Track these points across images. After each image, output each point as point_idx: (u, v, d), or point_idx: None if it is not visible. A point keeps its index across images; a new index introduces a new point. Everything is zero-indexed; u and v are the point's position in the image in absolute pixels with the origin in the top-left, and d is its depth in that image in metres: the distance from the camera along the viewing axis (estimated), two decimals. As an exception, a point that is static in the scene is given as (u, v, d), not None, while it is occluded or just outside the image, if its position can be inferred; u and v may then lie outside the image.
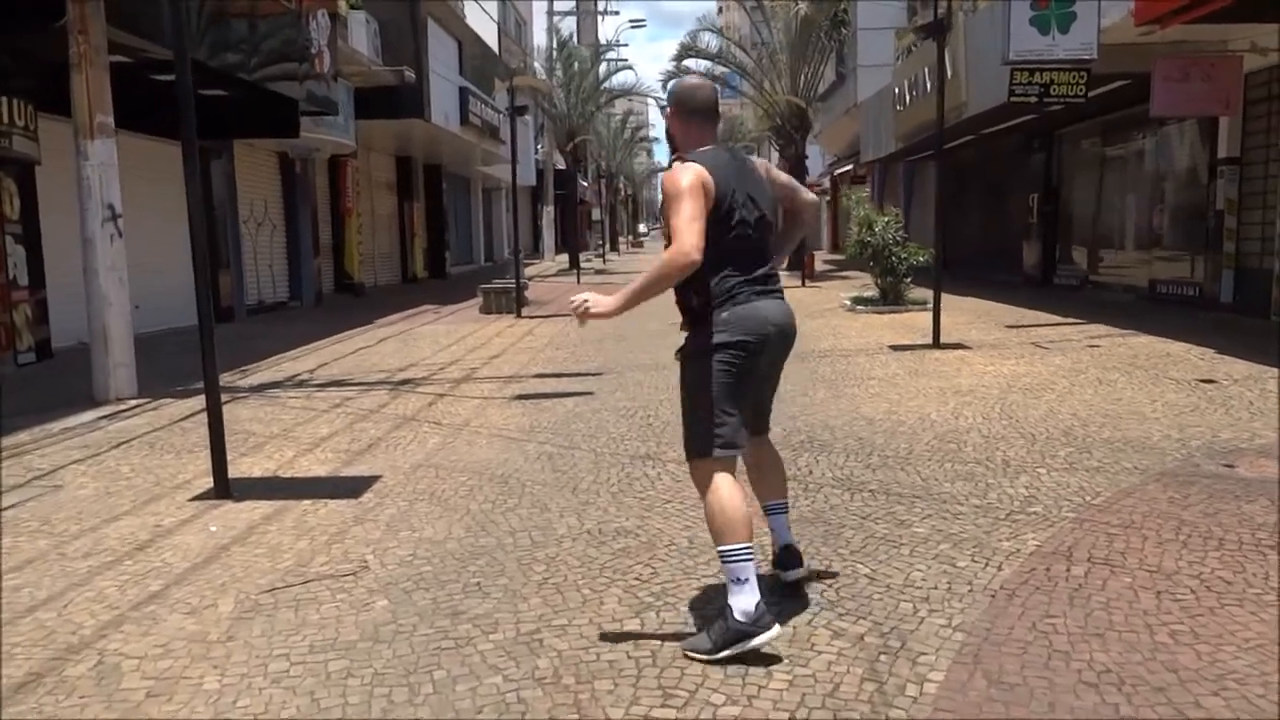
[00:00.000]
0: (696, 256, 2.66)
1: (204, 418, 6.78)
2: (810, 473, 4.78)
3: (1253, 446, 4.94)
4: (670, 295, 2.92)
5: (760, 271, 2.92)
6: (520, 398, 7.36)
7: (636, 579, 3.41)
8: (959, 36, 13.85)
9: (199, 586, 3.47)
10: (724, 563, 2.77)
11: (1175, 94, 9.86)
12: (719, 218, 2.79)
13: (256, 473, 5.23)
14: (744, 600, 2.67)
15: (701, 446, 2.84)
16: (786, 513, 3.28)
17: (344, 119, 14.56)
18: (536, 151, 33.57)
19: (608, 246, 42.60)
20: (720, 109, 3.18)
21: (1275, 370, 7.16)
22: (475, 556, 3.73)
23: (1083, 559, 3.39)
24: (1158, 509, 3.92)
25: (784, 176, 3.25)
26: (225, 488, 4.72)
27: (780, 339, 2.97)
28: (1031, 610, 2.97)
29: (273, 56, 10.71)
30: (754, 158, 3.25)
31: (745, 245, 2.88)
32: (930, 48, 15.71)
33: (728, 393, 2.81)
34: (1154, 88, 9.92)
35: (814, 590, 3.22)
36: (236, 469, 5.25)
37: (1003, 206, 18.80)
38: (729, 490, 2.77)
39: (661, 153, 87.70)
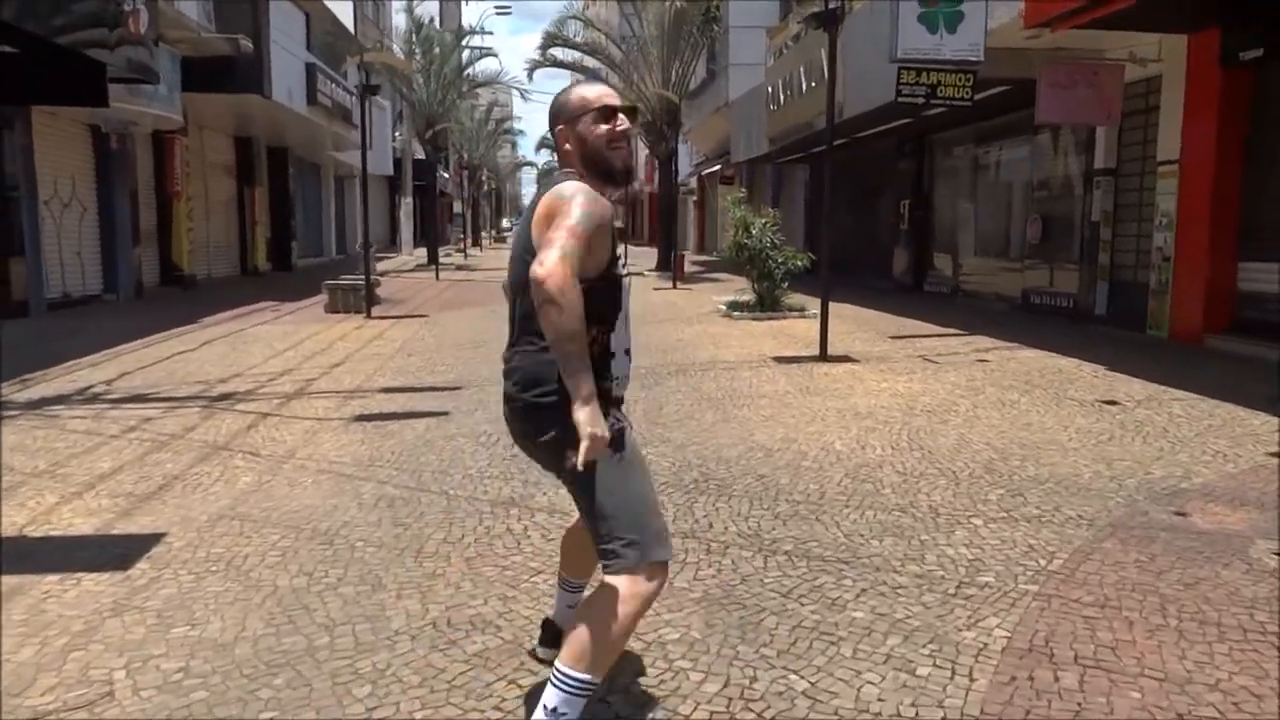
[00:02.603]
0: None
1: (-50, 446, 5.47)
2: (710, 525, 3.96)
3: (1194, 487, 4.43)
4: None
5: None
6: (361, 419, 6.28)
7: (498, 709, 2.49)
8: (837, 35, 13.43)
9: None
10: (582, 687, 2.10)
11: (1061, 101, 9.63)
12: None
13: (-4, 530, 4.00)
14: None
15: None
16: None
17: (167, 89, 12.88)
18: (394, 139, 31.80)
19: (469, 241, 41.10)
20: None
21: (1173, 391, 6.86)
22: (273, 671, 2.72)
23: (1068, 659, 2.69)
24: (1128, 578, 3.28)
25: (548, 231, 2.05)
26: (-63, 559, 3.50)
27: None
28: (1033, 754, 2.21)
29: (81, 18, 9.15)
30: (550, 196, 2.14)
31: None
32: (806, 47, 15.34)
33: None
34: (1040, 93, 9.66)
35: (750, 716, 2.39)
36: (-29, 524, 4.02)
37: (872, 211, 18.71)
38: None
39: (526, 146, 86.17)
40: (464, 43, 27.03)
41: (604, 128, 2.22)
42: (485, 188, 58.04)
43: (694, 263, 27.67)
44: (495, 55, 25.86)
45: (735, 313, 12.40)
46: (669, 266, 19.18)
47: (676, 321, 12.04)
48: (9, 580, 3.40)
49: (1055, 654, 2.72)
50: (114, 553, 3.70)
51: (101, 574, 3.47)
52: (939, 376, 7.70)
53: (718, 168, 28.30)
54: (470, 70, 27.31)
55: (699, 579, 3.36)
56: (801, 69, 15.57)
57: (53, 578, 3.43)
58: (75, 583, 3.39)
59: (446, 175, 41.24)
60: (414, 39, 24.98)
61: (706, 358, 8.91)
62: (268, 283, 19.38)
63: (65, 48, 9.27)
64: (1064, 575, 3.32)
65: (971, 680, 2.58)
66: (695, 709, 2.47)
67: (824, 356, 8.58)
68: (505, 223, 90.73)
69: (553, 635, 2.63)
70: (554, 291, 1.92)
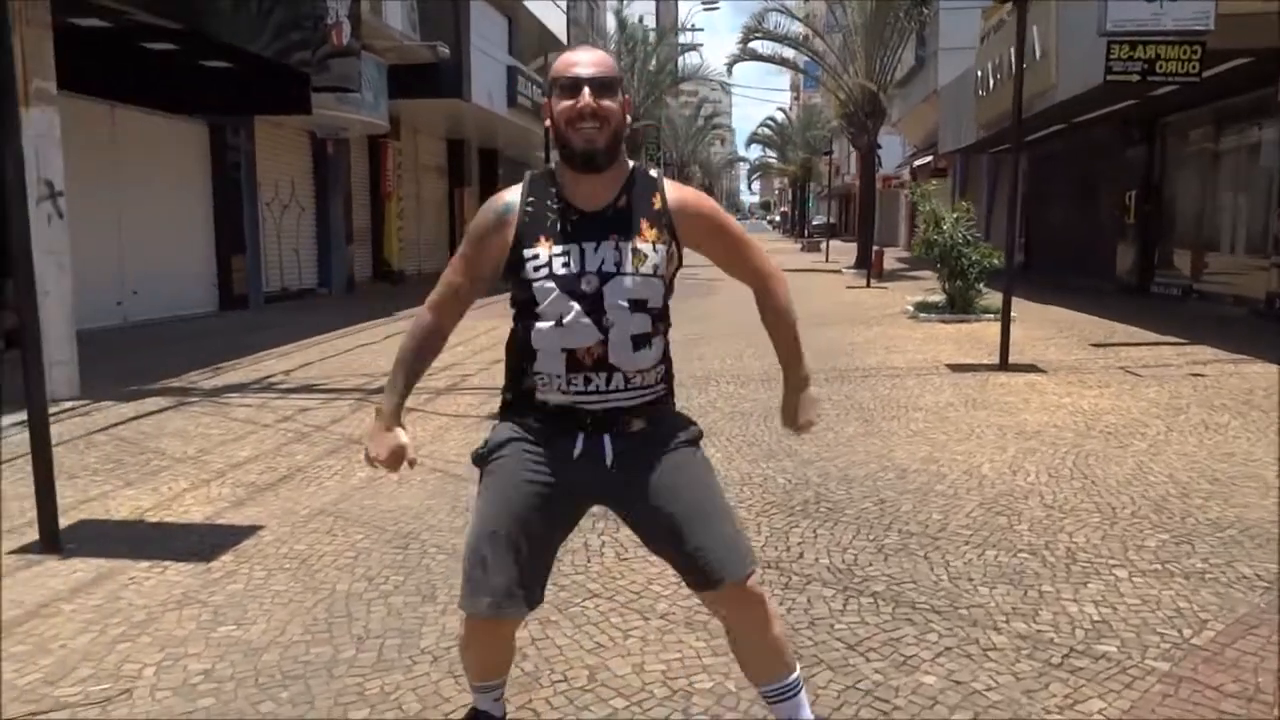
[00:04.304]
0: None
1: (127, 430, 5.95)
2: (801, 555, 3.57)
3: None
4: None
5: None
6: (494, 416, 6.26)
7: (475, 754, 2.28)
8: (1050, 12, 12.25)
9: (-128, 720, 2.46)
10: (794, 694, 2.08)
11: (1311, 73, 8.22)
12: None
13: (122, 513, 4.25)
14: None
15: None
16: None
17: (374, 96, 13.68)
18: (602, 138, 32.45)
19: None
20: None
21: None
22: (286, 682, 2.65)
23: (1178, 768, 2.13)
24: (1297, 665, 2.61)
25: None
26: (53, 539, 3.73)
27: None
28: None
29: (289, 34, 9.85)
30: None
31: None
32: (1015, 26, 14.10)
33: None
34: (1284, 65, 8.29)
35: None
36: (109, 504, 4.33)
37: (1095, 204, 17.01)
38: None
39: (739, 141, 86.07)
40: (666, 39, 27.14)
41: (565, 103, 1.93)
42: (699, 182, 58.37)
43: (900, 260, 26.42)
44: (696, 49, 25.67)
45: (922, 314, 11.60)
46: (866, 264, 18.35)
47: (855, 323, 11.41)
48: (106, 563, 3.57)
49: (1162, 759, 2.17)
50: (209, 543, 3.82)
51: (186, 564, 3.58)
52: (1135, 392, 6.76)
53: (929, 159, 26.84)
54: (672, 66, 27.36)
55: (761, 618, 3.00)
56: (1012, 50, 14.32)
57: (144, 564, 3.57)
58: (161, 571, 3.51)
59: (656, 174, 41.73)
60: (620, 39, 25.37)
61: (874, 363, 8.33)
62: (472, 278, 20.28)
63: (275, 62, 10.02)
64: (1210, 653, 2.69)
65: (1039, 782, 2.10)
66: (691, 779, 2.15)
67: (1004, 365, 7.78)
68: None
69: None
70: None
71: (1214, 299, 12.66)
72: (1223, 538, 3.68)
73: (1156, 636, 2.81)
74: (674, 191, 2.05)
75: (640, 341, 1.97)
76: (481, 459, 2.07)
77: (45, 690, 2.63)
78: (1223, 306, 12.14)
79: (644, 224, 1.98)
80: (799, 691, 2.08)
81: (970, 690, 2.51)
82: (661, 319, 2.02)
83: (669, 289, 2.04)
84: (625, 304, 1.95)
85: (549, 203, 1.99)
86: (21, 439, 5.50)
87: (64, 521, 3.89)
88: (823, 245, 30.18)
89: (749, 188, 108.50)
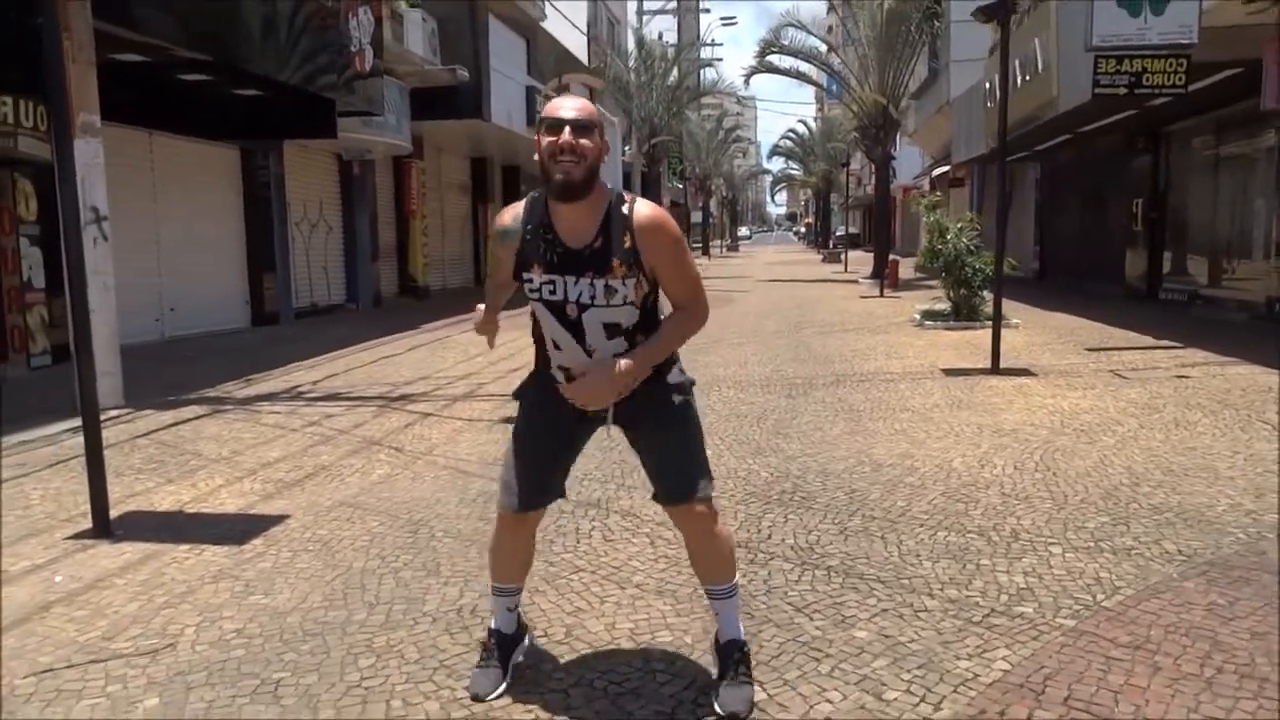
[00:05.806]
0: None
1: (168, 434, 6.45)
2: (769, 537, 3.95)
3: (1345, 526, 3.85)
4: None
5: None
6: (508, 420, 6.67)
7: (466, 689, 2.68)
8: (1050, 24, 12.57)
9: (-39, 666, 2.91)
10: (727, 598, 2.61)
11: (1293, 83, 8.50)
12: None
13: (164, 505, 4.71)
14: None
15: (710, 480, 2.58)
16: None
17: (396, 119, 14.23)
18: (625, 154, 33.02)
19: (704, 249, 41.75)
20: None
21: (1400, 415, 5.90)
22: (307, 638, 3.07)
23: (1057, 699, 2.49)
24: (1187, 622, 2.95)
25: None
26: (105, 527, 4.20)
27: None
28: (951, 789, 2.10)
29: (315, 62, 10.40)
30: None
31: None
32: (1021, 38, 14.40)
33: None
34: (1265, 76, 8.58)
35: (675, 727, 2.43)
36: (151, 499, 4.78)
37: (1105, 212, 17.23)
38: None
39: (763, 154, 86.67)
40: (684, 55, 27.63)
41: (548, 140, 2.31)
42: (721, 195, 58.78)
43: (919, 270, 26.64)
44: (712, 65, 26.18)
45: (928, 322, 11.91)
46: (881, 275, 18.65)
47: (862, 331, 11.74)
48: (151, 546, 4.02)
49: (1046, 692, 2.53)
50: (240, 530, 4.26)
51: (221, 547, 4.02)
52: (1118, 393, 7.06)
53: (947, 169, 27.06)
54: (689, 81, 27.84)
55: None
56: (1017, 62, 14.62)
57: (184, 547, 4.02)
58: (199, 553, 3.95)
59: (680, 186, 42.26)
60: (638, 56, 25.89)
61: (872, 369, 8.67)
62: (495, 292, 20.80)
63: (303, 89, 10.57)
64: (1114, 613, 3.04)
65: (936, 710, 2.46)
66: (643, 706, 2.54)
67: (995, 369, 8.09)
68: (743, 230, 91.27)
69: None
70: None
71: (1218, 304, 12.86)
72: (1158, 520, 4.01)
73: (1071, 600, 3.17)
74: (639, 218, 2.36)
75: (621, 357, 2.41)
76: (517, 395, 2.67)
77: (103, 644, 3.07)
78: (1226, 311, 12.35)
79: (615, 262, 2.35)
80: (731, 596, 2.58)
81: (895, 642, 2.88)
82: (640, 330, 2.44)
83: (646, 304, 2.44)
84: (602, 329, 2.42)
85: (542, 231, 2.40)
86: (75, 442, 5.99)
87: (113, 513, 4.36)
88: (843, 256, 30.45)
89: (773, 199, 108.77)
